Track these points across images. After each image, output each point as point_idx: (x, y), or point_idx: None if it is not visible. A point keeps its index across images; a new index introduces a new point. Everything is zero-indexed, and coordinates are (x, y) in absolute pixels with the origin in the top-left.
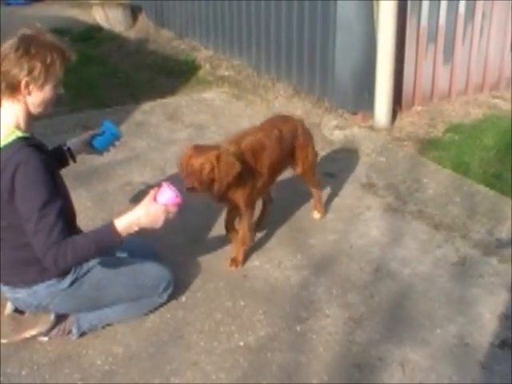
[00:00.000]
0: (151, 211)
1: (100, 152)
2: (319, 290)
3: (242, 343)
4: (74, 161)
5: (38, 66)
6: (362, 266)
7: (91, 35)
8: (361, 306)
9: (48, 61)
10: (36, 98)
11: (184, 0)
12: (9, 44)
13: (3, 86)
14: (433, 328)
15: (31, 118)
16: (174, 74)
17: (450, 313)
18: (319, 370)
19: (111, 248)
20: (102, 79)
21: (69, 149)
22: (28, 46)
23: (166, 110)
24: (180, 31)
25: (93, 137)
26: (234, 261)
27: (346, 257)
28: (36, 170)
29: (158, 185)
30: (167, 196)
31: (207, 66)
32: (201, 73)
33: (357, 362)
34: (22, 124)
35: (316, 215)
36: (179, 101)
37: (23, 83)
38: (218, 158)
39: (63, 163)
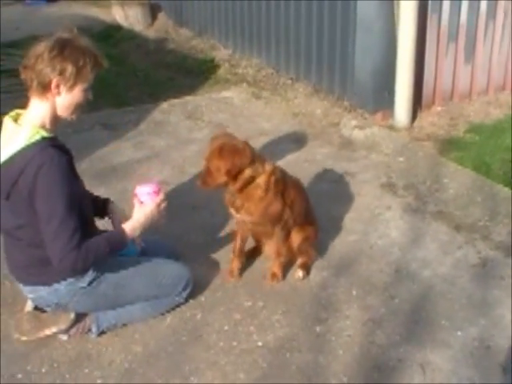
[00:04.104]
0: (147, 212)
1: None
2: (339, 291)
3: (260, 343)
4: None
5: (70, 67)
6: (382, 266)
7: (110, 34)
8: (381, 308)
9: (80, 64)
10: (65, 99)
11: None
12: (44, 44)
13: (35, 83)
14: (453, 330)
15: (57, 120)
16: (193, 73)
17: (471, 315)
18: (338, 371)
19: (121, 250)
20: (121, 78)
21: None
22: (62, 48)
23: (185, 108)
24: (199, 30)
25: None
26: (273, 275)
27: (365, 257)
28: (59, 172)
29: (134, 195)
30: (147, 194)
31: (226, 64)
32: (220, 72)
33: (376, 363)
34: (48, 124)
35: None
36: (198, 100)
37: (54, 83)
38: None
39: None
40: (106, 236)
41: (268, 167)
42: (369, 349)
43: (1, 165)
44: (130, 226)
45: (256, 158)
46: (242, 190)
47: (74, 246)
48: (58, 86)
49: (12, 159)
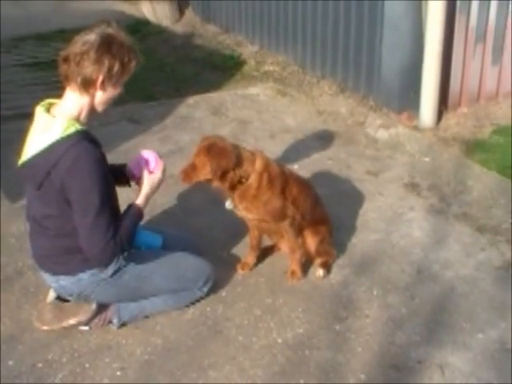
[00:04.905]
0: (156, 181)
1: None
2: (359, 290)
3: (280, 340)
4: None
5: (117, 65)
6: (404, 267)
7: (138, 29)
8: (401, 308)
9: (125, 60)
10: (105, 94)
11: None
12: (88, 40)
13: (79, 79)
14: (474, 332)
15: (92, 114)
16: (219, 69)
17: (492, 317)
18: (357, 369)
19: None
20: (148, 72)
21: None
22: (109, 45)
23: (210, 104)
24: (226, 26)
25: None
26: (292, 273)
27: (387, 257)
28: (95, 165)
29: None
30: (152, 161)
31: (252, 61)
32: (246, 68)
33: (395, 363)
34: (83, 117)
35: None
36: (224, 95)
37: (100, 80)
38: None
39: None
40: (128, 217)
41: (259, 166)
42: (388, 348)
43: (34, 155)
44: (144, 199)
45: (244, 159)
46: (232, 189)
47: (111, 237)
48: (103, 83)
49: (46, 151)
